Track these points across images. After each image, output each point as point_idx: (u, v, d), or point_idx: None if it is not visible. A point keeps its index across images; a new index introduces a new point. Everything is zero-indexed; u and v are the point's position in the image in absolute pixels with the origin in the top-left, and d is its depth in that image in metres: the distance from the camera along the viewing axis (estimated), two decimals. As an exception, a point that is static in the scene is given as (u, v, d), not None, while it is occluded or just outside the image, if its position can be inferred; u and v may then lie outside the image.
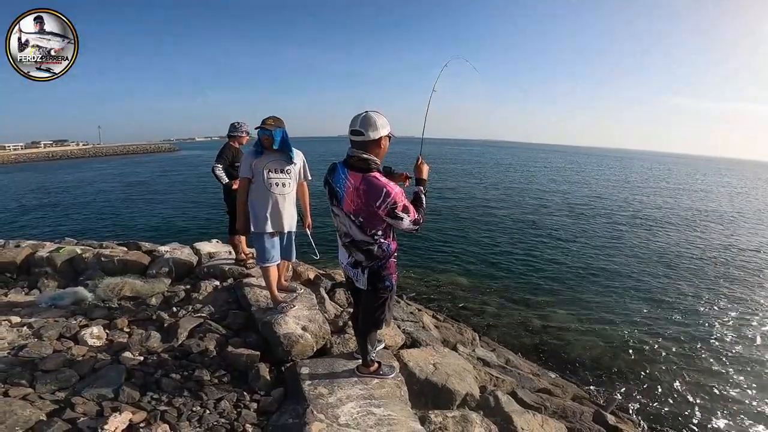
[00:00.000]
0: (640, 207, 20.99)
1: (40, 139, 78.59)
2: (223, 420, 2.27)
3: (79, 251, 4.71)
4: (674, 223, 16.90)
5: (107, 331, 3.20)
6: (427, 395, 2.73)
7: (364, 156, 2.05)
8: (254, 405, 2.42)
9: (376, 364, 2.62)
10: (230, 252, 4.78)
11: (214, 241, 5.56)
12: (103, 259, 4.51)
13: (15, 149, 68.20)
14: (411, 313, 4.68)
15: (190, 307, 3.61)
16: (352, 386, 2.45)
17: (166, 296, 3.90)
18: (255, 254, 3.41)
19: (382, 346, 3.10)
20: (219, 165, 4.03)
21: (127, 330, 3.24)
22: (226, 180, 4.03)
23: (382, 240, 2.16)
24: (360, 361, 2.65)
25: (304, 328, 2.97)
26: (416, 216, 2.08)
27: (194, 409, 2.32)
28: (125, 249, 5.10)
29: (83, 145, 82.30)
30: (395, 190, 2.00)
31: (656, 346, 6.46)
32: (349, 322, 3.28)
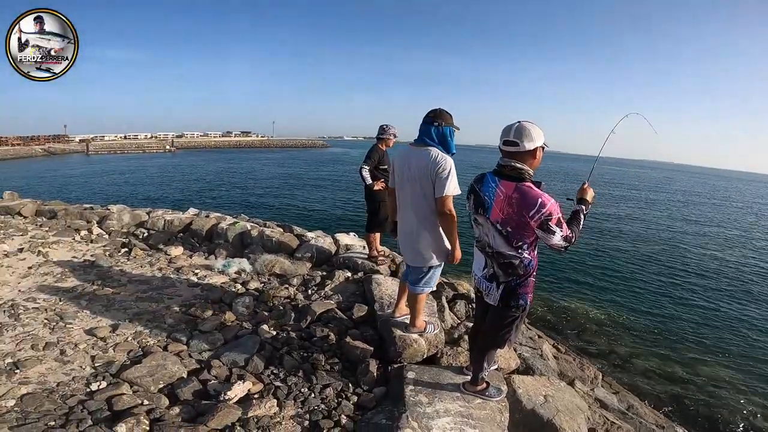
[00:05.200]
0: None
1: (232, 129, 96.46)
2: (323, 406, 2.41)
3: (249, 227, 5.60)
4: None
5: (255, 302, 3.73)
6: (529, 427, 2.55)
7: (518, 165, 2.00)
8: (354, 398, 2.52)
9: (484, 384, 2.53)
10: (364, 247, 5.14)
11: (352, 234, 5.98)
12: (264, 237, 5.29)
13: (215, 137, 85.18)
14: (530, 338, 4.38)
15: (323, 293, 3.99)
16: (453, 401, 2.42)
17: (305, 279, 4.37)
18: (423, 279, 2.80)
19: (496, 366, 2.99)
20: (366, 166, 4.22)
21: (270, 304, 3.72)
22: (369, 181, 4.22)
23: (526, 254, 2.08)
24: (468, 377, 2.60)
25: (419, 333, 3.01)
26: (569, 233, 1.98)
27: (302, 390, 2.52)
28: (282, 230, 5.90)
29: (261, 137, 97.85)
30: (551, 201, 1.92)
31: None
32: (465, 336, 3.23)
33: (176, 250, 4.98)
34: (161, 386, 2.48)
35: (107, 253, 4.83)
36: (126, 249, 5.01)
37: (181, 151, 62.71)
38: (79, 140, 63.06)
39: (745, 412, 5.14)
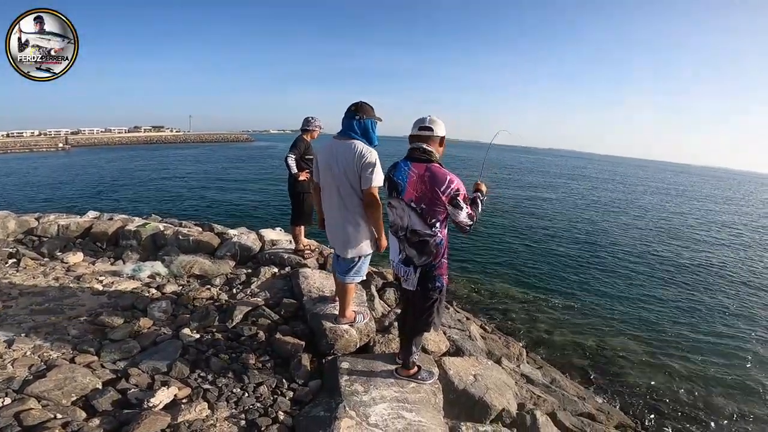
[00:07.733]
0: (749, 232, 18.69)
1: (141, 124, 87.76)
2: (258, 404, 2.36)
3: (161, 228, 5.20)
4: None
5: (173, 305, 3.48)
6: (463, 406, 2.68)
7: (428, 148, 2.26)
8: (290, 393, 2.49)
9: (416, 368, 2.62)
10: (290, 241, 5.01)
11: (278, 229, 5.86)
12: (180, 237, 4.94)
13: (119, 133, 77.08)
14: (459, 320, 4.59)
15: (248, 291, 3.84)
16: (388, 387, 2.46)
17: (229, 278, 4.17)
18: (352, 270, 2.82)
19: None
20: (292, 155, 4.15)
21: (191, 307, 3.50)
22: (295, 170, 4.16)
23: (439, 232, 2.26)
24: (400, 363, 2.66)
25: (349, 324, 3.02)
26: (472, 212, 2.25)
27: (234, 390, 2.44)
28: (200, 229, 5.55)
29: (176, 131, 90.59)
30: (457, 179, 2.19)
31: (730, 387, 5.80)
32: (395, 323, 3.28)
33: (75, 257, 4.46)
34: (74, 399, 2.30)
35: (-8, 265, 4.19)
36: (14, 259, 4.39)
37: (78, 149, 56.06)
38: (-52, 140, 53.62)
39: (647, 376, 5.81)
